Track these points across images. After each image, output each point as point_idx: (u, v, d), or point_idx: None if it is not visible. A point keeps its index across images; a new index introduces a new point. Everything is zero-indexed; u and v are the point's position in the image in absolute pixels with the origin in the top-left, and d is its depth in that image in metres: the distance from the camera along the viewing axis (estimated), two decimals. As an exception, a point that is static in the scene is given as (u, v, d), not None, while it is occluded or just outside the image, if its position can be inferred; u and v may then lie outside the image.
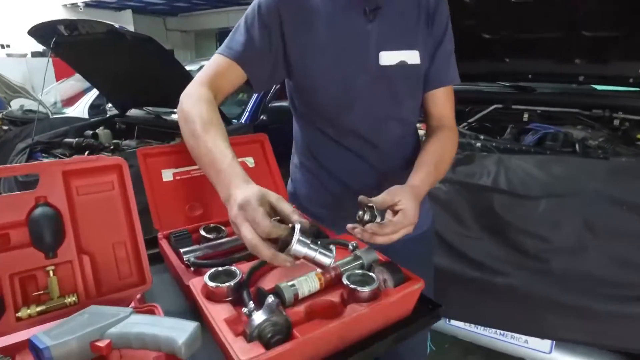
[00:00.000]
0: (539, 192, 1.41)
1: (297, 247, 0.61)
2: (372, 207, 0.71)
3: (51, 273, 0.65)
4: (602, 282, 1.25)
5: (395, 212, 0.74)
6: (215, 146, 0.72)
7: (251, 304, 0.60)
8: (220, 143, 0.73)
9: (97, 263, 0.69)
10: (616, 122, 2.08)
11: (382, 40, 0.90)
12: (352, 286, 0.65)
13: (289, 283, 0.66)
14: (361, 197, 0.73)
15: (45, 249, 0.65)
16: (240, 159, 0.74)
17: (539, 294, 1.31)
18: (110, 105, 3.80)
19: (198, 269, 0.76)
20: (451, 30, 0.97)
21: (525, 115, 2.29)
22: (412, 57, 0.93)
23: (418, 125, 1.09)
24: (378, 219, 0.70)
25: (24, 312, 0.62)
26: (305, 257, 0.62)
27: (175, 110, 3.11)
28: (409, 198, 0.74)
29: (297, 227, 0.61)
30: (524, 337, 1.44)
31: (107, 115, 3.55)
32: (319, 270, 0.70)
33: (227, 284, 0.64)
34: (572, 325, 1.29)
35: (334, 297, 0.68)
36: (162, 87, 2.36)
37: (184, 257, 0.78)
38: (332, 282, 0.70)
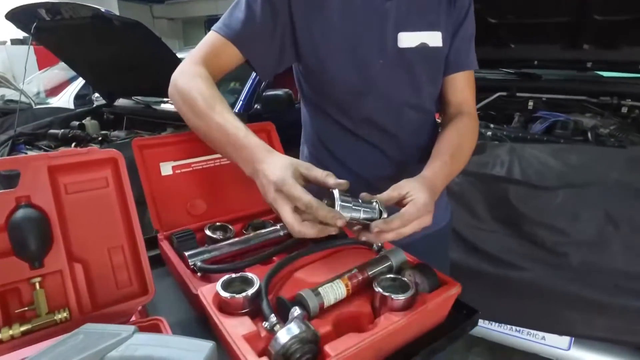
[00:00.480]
0: (555, 183, 1.36)
1: (341, 212, 0.58)
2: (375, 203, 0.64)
3: (37, 286, 0.57)
4: (623, 276, 1.20)
5: (404, 206, 0.67)
6: (226, 121, 0.68)
7: (273, 318, 0.53)
8: (230, 117, 0.69)
9: (91, 272, 0.61)
10: (624, 110, 2.03)
11: (402, 20, 0.83)
12: (385, 293, 0.58)
13: (313, 291, 0.58)
14: (362, 195, 0.65)
15: (29, 257, 0.57)
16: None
17: (556, 289, 1.26)
18: (97, 95, 3.66)
19: (206, 275, 0.68)
20: (473, 11, 0.89)
21: (530, 103, 2.24)
22: (433, 38, 0.86)
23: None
24: (384, 215, 0.63)
25: (5, 333, 0.53)
26: (351, 219, 0.60)
27: (166, 99, 3.03)
28: (418, 188, 0.67)
29: (336, 192, 0.58)
30: (541, 334, 1.40)
31: (94, 106, 3.44)
32: (345, 275, 0.63)
33: (244, 293, 0.56)
34: (591, 321, 1.25)
35: (363, 305, 0.61)
36: (151, 75, 2.24)
37: (190, 261, 0.69)
38: (358, 288, 0.63)
